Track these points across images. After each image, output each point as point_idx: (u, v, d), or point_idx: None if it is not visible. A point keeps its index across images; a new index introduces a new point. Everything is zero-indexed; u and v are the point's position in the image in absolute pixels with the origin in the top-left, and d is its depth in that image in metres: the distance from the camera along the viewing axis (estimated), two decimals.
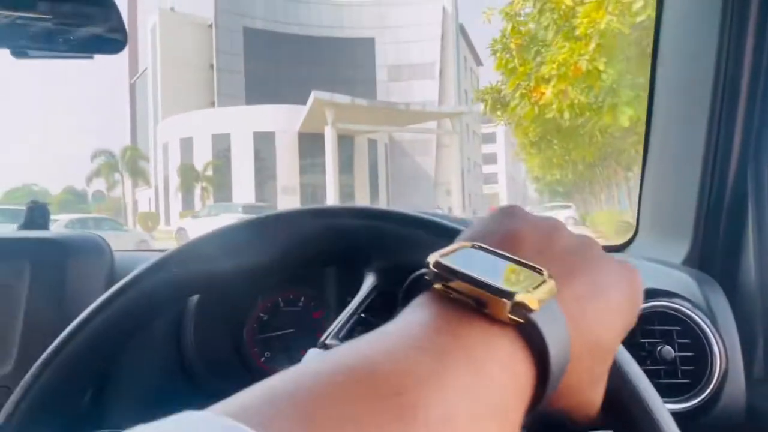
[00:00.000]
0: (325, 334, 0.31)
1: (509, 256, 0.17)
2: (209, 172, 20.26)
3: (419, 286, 0.22)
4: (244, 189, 20.37)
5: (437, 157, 24.03)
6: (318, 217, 0.32)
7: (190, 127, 21.95)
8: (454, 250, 0.18)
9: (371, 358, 0.14)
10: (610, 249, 0.80)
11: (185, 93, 24.31)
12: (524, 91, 5.97)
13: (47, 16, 0.44)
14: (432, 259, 0.18)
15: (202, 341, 0.50)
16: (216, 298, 0.51)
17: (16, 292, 0.47)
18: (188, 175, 20.34)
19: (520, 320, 0.16)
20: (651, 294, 0.50)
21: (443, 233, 0.29)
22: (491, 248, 0.18)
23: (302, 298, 0.56)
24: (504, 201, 32.24)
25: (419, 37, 25.25)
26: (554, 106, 5.62)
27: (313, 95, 16.32)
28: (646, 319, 0.49)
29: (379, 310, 0.35)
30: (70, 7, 0.45)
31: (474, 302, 0.16)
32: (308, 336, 0.46)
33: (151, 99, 25.78)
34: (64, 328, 0.34)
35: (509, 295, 0.16)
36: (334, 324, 0.32)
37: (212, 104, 24.01)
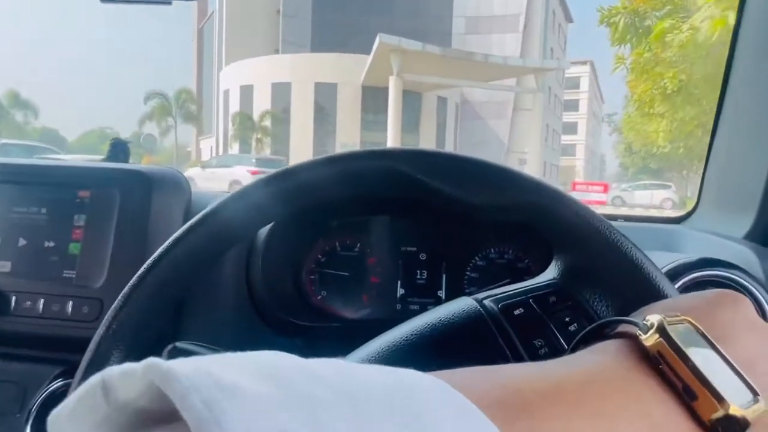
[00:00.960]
0: (486, 294, 0.34)
1: (737, 369, 0.17)
2: (267, 122, 19.80)
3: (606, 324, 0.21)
4: (301, 142, 19.84)
5: (513, 120, 22.01)
6: (381, 159, 0.34)
7: (250, 75, 21.39)
8: (679, 321, 0.18)
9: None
10: (667, 221, 0.84)
11: (250, 38, 23.70)
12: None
13: None
14: (654, 319, 0.18)
15: (269, 279, 0.55)
16: (280, 239, 0.56)
17: (107, 215, 0.52)
18: (244, 124, 19.88)
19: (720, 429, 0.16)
20: (708, 263, 0.53)
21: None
22: (718, 347, 0.17)
23: (358, 245, 0.61)
24: (581, 175, 29.55)
25: None
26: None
27: (379, 39, 14.28)
28: (702, 287, 0.51)
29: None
30: None
31: (682, 387, 0.16)
32: (362, 279, 0.60)
33: (216, 44, 25.63)
34: (147, 251, 0.48)
35: (726, 405, 0.16)
36: (499, 290, 0.35)
37: (276, 51, 23.31)
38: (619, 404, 0.15)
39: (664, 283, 0.29)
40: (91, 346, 0.30)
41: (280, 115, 20.26)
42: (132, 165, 0.57)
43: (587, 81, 32.19)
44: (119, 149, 0.63)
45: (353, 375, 0.12)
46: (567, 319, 0.32)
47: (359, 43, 18.72)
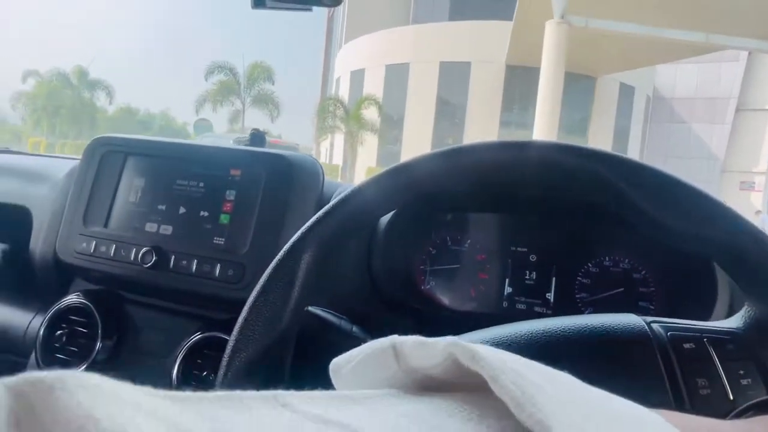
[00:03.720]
0: (654, 318, 0.45)
1: None
2: (368, 110, 20.57)
3: None
4: (415, 137, 20.41)
5: (734, 126, 20.29)
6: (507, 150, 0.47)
7: (363, 56, 22.87)
8: None
9: None
10: None
11: (374, 11, 25.20)
12: None
13: None
14: None
15: (386, 263, 0.81)
16: (399, 229, 0.81)
17: (254, 192, 0.80)
18: (331, 112, 20.95)
19: None
20: None
21: None
22: None
23: (469, 241, 0.84)
24: None
25: None
26: None
27: None
28: None
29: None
30: None
31: None
32: (470, 274, 0.83)
33: (340, 22, 27.67)
34: (285, 226, 0.76)
35: None
36: (670, 319, 0.45)
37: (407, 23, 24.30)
38: None
39: None
40: (246, 307, 0.47)
41: (390, 101, 21.20)
42: (275, 150, 0.85)
43: None
44: (257, 138, 0.98)
45: (611, 398, 0.22)
46: (741, 372, 0.40)
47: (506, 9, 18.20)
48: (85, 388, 0.14)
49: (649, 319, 0.45)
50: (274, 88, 23.85)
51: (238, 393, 0.18)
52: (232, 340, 0.46)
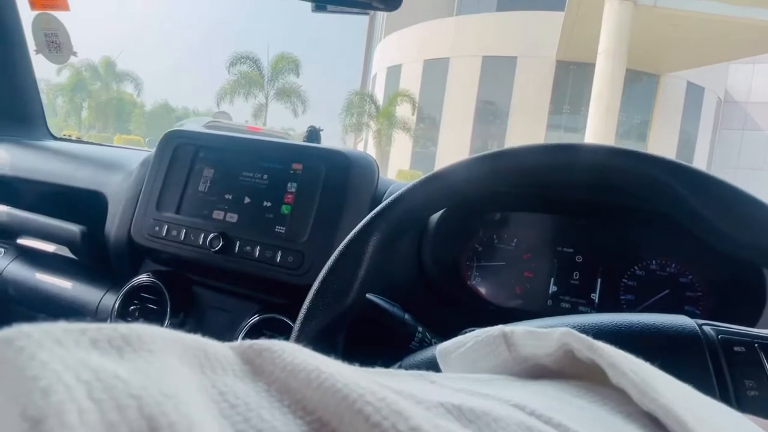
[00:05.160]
0: (705, 321, 0.51)
1: None
2: (402, 107, 20.76)
3: None
4: (452, 139, 20.50)
5: None
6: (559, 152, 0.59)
7: (400, 52, 23.14)
8: None
9: None
10: None
11: (417, 3, 25.37)
12: None
13: None
14: None
15: (436, 257, 0.94)
16: (447, 225, 0.93)
17: (314, 186, 0.95)
18: (360, 108, 21.39)
19: None
20: None
21: None
22: None
23: (515, 239, 0.96)
24: None
25: None
26: None
27: None
28: None
29: None
30: None
31: None
32: (515, 272, 0.95)
33: (381, 14, 27.91)
34: (342, 218, 0.92)
35: None
36: (722, 324, 0.51)
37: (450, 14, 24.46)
38: None
39: None
40: (310, 294, 0.58)
41: (427, 100, 21.34)
42: (333, 146, 1.00)
43: None
44: (313, 134, 1.15)
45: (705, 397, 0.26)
46: None
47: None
48: (301, 351, 0.19)
49: (700, 321, 0.51)
50: (300, 81, 24.18)
51: (392, 370, 0.23)
52: (304, 308, 0.57)
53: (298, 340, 0.56)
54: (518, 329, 0.27)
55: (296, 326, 0.57)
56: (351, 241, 0.60)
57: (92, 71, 28.27)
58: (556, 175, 0.60)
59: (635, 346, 0.46)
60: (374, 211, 0.61)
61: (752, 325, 0.76)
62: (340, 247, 0.60)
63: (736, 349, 0.47)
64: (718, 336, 0.49)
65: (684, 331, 0.50)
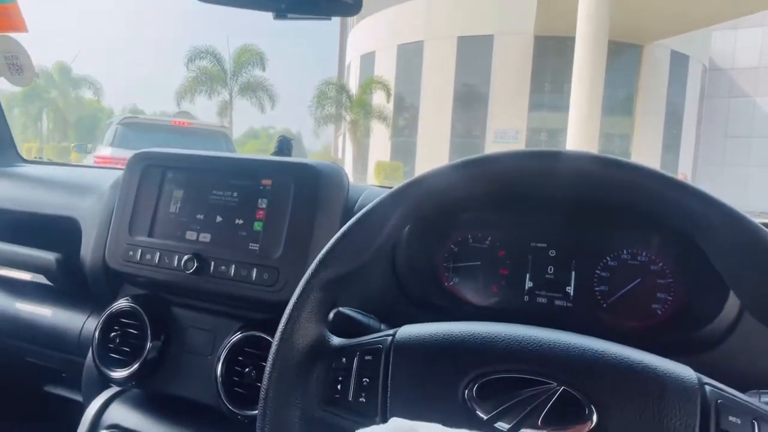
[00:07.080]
0: (711, 381, 0.54)
1: None
2: (375, 96, 20.70)
3: None
4: (430, 126, 20.48)
5: None
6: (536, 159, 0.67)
7: (372, 38, 23.14)
8: None
9: None
10: None
11: None
12: None
13: None
14: None
15: (410, 263, 1.00)
16: (421, 230, 0.99)
17: (284, 200, 1.00)
18: (330, 98, 21.13)
19: None
20: None
21: None
22: None
23: (489, 238, 1.02)
24: None
25: None
26: None
27: None
28: None
29: None
30: None
31: None
32: (491, 270, 1.01)
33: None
34: (315, 231, 0.98)
35: None
36: (725, 387, 0.54)
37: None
38: None
39: None
40: (289, 306, 0.64)
41: (403, 86, 21.30)
42: (301, 159, 1.05)
43: None
44: (284, 145, 1.18)
45: None
46: None
47: None
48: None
49: (705, 379, 0.53)
50: (267, 75, 23.87)
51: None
52: (279, 329, 0.65)
53: (276, 359, 0.63)
54: None
55: (273, 346, 0.64)
56: (311, 275, 0.67)
57: (46, 77, 27.80)
58: (532, 184, 0.70)
59: (630, 383, 0.53)
60: (336, 236, 0.69)
61: (720, 309, 0.83)
62: (299, 287, 0.67)
63: (731, 419, 0.50)
64: (717, 400, 0.51)
65: (683, 383, 0.53)
